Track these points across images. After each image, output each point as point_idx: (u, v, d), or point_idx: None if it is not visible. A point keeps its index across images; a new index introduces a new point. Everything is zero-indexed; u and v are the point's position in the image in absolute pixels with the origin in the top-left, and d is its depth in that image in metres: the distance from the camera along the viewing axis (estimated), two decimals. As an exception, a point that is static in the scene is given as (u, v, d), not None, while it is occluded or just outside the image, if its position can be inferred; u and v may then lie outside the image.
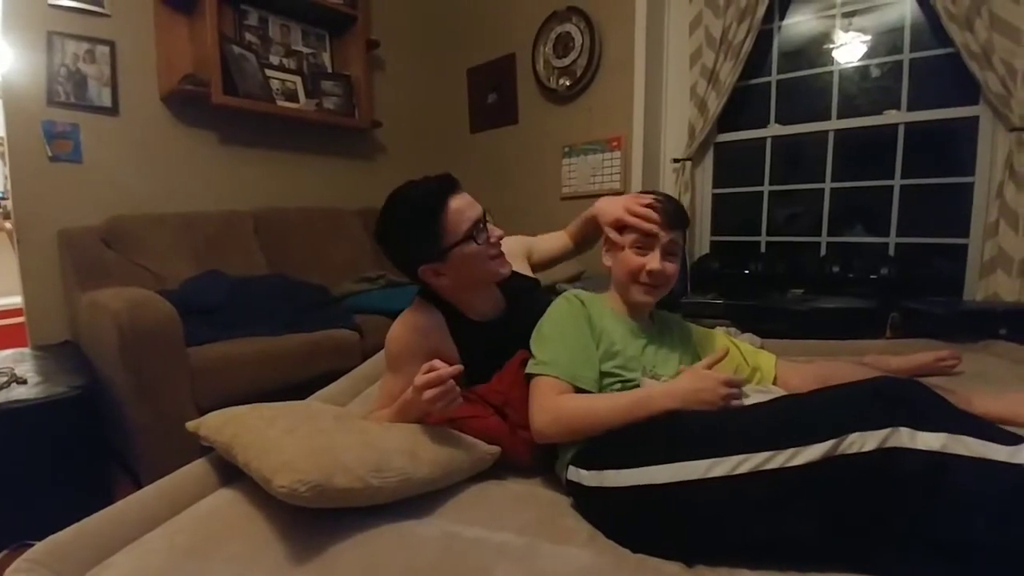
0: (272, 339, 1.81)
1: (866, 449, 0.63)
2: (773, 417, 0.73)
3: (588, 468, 0.82)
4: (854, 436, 0.64)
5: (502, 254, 1.04)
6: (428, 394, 0.83)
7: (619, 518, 0.78)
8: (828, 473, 0.64)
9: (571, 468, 0.85)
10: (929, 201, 2.12)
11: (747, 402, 0.87)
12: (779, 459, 0.66)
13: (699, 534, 0.72)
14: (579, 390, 0.91)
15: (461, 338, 1.05)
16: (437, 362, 0.86)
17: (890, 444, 0.63)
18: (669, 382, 0.90)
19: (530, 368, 0.94)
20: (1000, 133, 1.88)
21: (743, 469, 0.67)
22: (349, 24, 2.86)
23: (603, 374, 0.95)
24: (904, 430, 0.63)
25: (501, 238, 1.04)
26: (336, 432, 0.83)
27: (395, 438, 0.85)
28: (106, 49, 2.17)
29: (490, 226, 1.02)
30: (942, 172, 2.08)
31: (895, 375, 1.09)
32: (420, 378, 0.84)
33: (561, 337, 0.95)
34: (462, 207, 0.98)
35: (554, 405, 0.88)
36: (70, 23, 2.09)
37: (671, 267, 1.01)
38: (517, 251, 1.25)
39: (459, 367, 0.86)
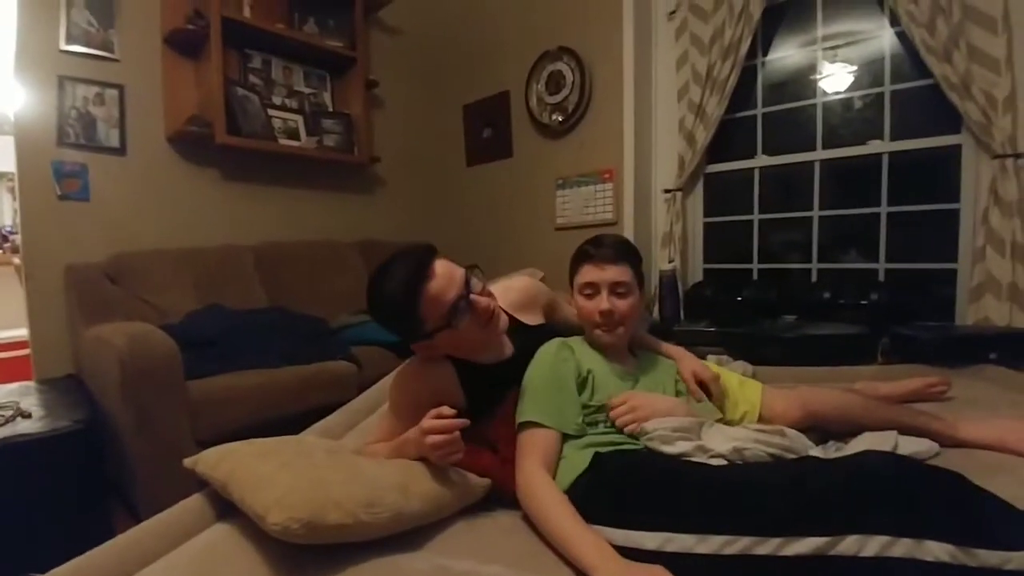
0: (270, 371, 1.82)
1: (862, 554, 0.58)
2: (772, 494, 0.69)
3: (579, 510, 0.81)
4: (852, 538, 0.59)
5: (493, 315, 0.96)
6: (432, 439, 0.85)
7: None
8: (817, 571, 0.60)
9: None
10: (917, 227, 2.15)
11: (705, 436, 0.88)
12: (768, 546, 0.63)
13: None
14: (565, 436, 0.93)
15: (468, 383, 1.04)
16: (446, 409, 0.86)
17: (889, 554, 0.58)
18: None
19: (518, 417, 0.95)
20: (983, 160, 1.90)
21: (729, 551, 0.65)
22: (349, 65, 2.96)
23: (589, 412, 0.97)
24: (906, 540, 0.58)
25: (490, 305, 0.96)
26: (328, 468, 0.84)
27: (387, 473, 0.86)
28: (115, 92, 2.25)
29: (474, 297, 0.94)
30: (929, 199, 2.11)
31: (892, 421, 1.06)
32: (428, 422, 0.86)
33: (545, 385, 0.97)
34: (437, 293, 0.91)
35: (530, 481, 0.85)
36: (81, 68, 2.18)
37: (622, 304, 1.03)
38: (532, 293, 1.22)
39: (466, 421, 0.86)
